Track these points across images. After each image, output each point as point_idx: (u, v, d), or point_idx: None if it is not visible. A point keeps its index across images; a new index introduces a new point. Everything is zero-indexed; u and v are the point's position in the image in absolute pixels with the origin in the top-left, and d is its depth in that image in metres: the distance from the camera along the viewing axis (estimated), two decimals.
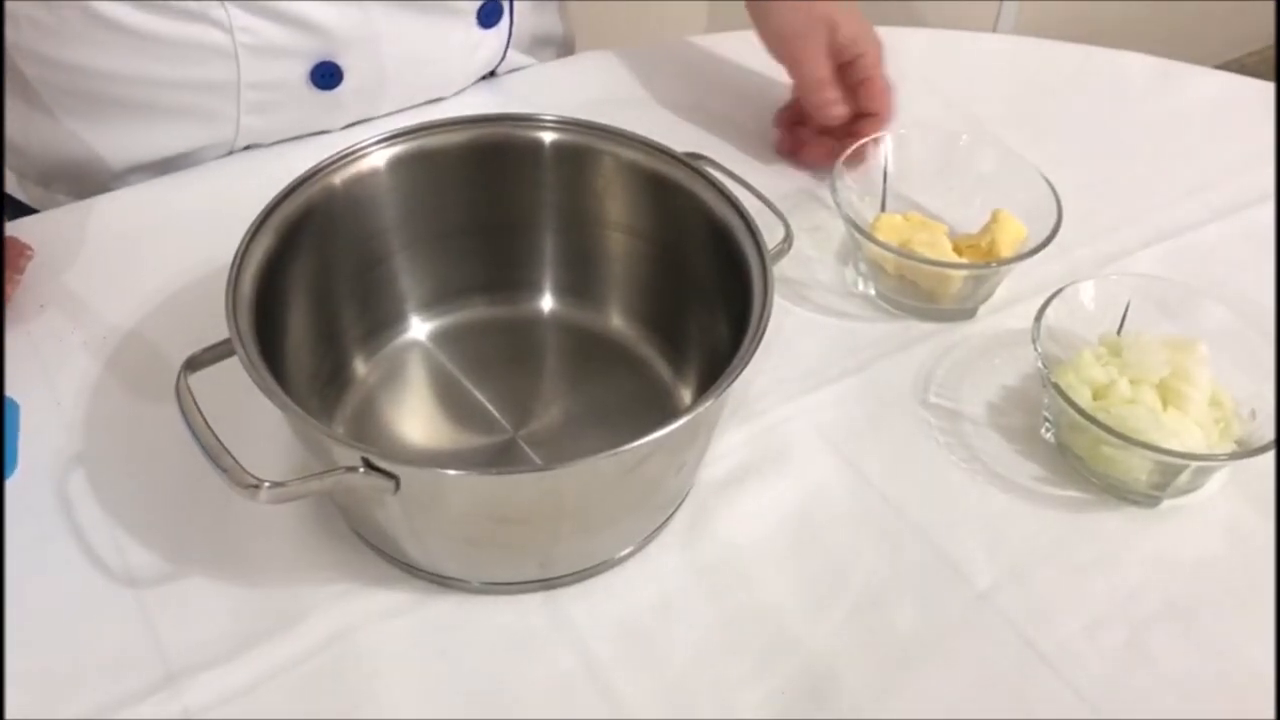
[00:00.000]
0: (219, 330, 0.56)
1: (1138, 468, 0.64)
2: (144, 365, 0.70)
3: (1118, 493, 0.65)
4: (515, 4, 0.86)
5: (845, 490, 0.66)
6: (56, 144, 0.81)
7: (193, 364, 0.56)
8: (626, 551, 0.62)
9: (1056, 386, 0.64)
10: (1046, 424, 0.68)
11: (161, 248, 0.76)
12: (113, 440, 0.66)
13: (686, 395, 0.68)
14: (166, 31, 0.75)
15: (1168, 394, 0.65)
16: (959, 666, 0.58)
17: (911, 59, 0.98)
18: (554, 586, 0.60)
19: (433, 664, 0.58)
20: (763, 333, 0.57)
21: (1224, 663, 0.59)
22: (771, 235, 0.62)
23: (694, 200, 0.64)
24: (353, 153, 0.64)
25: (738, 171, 0.66)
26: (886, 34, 1.00)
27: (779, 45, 0.84)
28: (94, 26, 0.74)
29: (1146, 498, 0.65)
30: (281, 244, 0.61)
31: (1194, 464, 0.63)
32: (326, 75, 0.79)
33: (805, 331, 0.74)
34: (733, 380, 0.55)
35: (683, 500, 0.64)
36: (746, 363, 0.55)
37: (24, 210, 0.82)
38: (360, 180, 0.64)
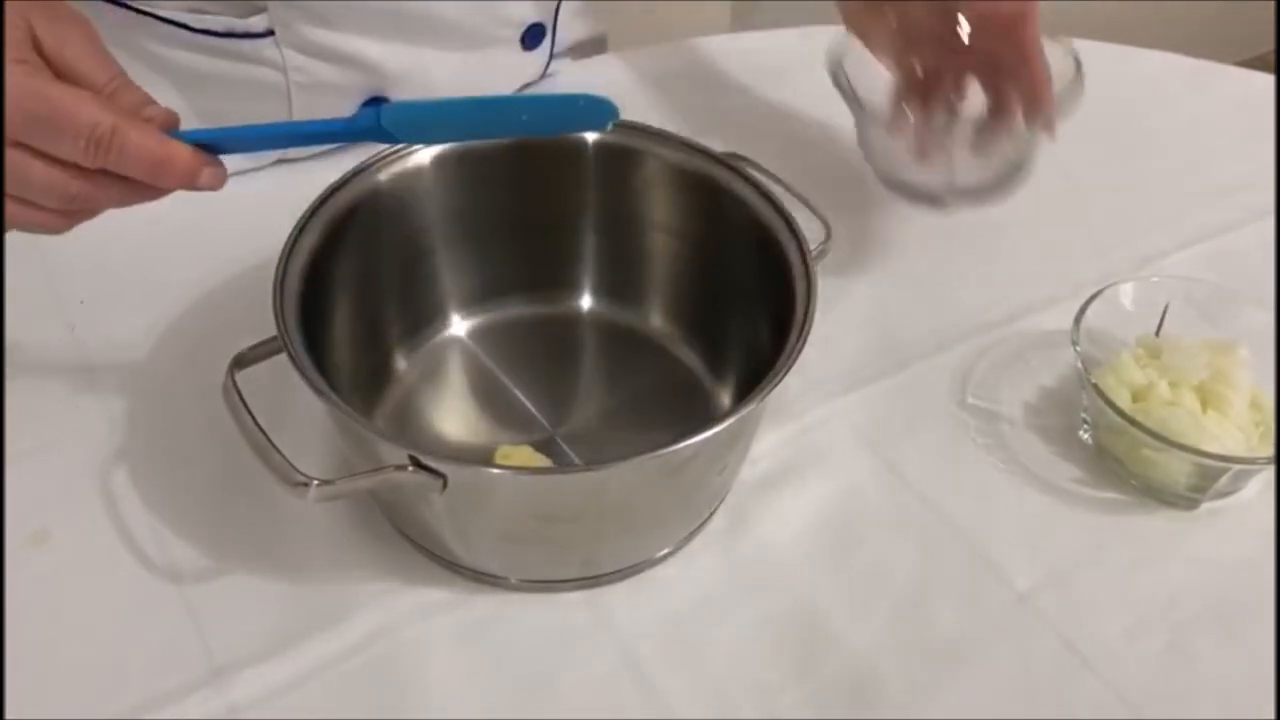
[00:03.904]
0: (260, 322, 0.56)
1: (1177, 470, 0.64)
2: (187, 360, 0.70)
3: (1157, 495, 0.65)
4: (558, 22, 0.86)
5: (883, 491, 0.66)
6: None
7: (240, 362, 0.57)
8: (666, 550, 0.62)
9: (1096, 388, 0.64)
10: (1085, 425, 0.68)
11: (205, 241, 0.76)
12: (156, 435, 0.66)
13: (725, 395, 0.68)
14: (220, 71, 0.76)
15: (1207, 397, 0.65)
16: (999, 668, 0.59)
17: None
18: (596, 585, 0.60)
19: (475, 661, 0.58)
20: (807, 335, 0.57)
21: (1265, 665, 0.59)
22: (811, 235, 0.62)
23: (735, 200, 0.64)
24: (398, 151, 0.64)
25: (774, 170, 0.66)
26: None
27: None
28: (145, 66, 0.74)
29: (1186, 500, 0.65)
30: (326, 241, 0.61)
31: (1235, 467, 0.63)
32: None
33: (842, 332, 0.73)
34: (779, 381, 0.55)
35: (722, 500, 0.64)
36: (791, 364, 0.55)
37: None
38: (405, 178, 0.64)
